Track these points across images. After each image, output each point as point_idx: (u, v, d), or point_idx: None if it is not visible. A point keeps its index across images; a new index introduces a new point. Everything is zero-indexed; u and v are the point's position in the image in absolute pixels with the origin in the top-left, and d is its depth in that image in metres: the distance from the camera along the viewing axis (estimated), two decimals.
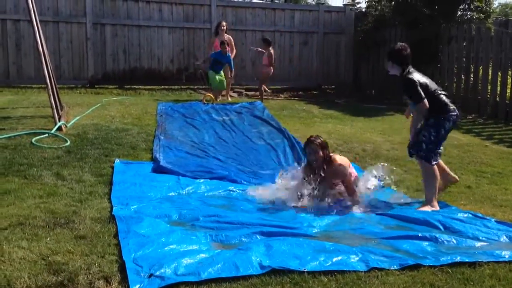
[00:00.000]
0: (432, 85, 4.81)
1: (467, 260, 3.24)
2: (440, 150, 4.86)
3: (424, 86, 4.69)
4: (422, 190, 5.22)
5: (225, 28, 10.52)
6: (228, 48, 10.14)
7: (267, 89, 11.57)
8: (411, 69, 4.80)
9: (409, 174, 5.90)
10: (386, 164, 5.08)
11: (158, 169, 5.40)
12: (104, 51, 11.79)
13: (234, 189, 5.03)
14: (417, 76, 4.76)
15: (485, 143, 7.89)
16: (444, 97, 4.77)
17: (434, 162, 4.74)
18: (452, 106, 4.77)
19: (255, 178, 5.49)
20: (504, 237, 3.77)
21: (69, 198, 4.34)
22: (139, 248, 3.27)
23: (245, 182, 5.30)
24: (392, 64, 4.81)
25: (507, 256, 3.32)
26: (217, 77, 10.04)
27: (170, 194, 4.75)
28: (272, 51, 10.75)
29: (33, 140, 6.05)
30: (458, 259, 3.24)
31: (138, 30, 11.97)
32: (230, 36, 10.70)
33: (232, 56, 10.43)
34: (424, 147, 4.69)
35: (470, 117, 9.98)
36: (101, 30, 11.71)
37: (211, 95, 9.88)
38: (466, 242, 3.62)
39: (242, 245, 3.41)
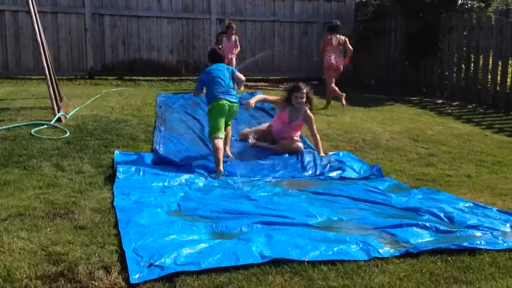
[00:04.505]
0: None
1: (467, 248, 3.25)
2: None
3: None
4: (422, 179, 5.23)
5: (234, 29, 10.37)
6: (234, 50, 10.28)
7: None
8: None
9: (409, 163, 5.89)
10: None
11: (159, 160, 5.38)
12: (103, 42, 11.74)
13: (235, 181, 5.01)
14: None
15: (485, 132, 7.87)
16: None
17: None
18: None
19: (255, 170, 5.47)
20: (505, 226, 3.76)
21: (68, 188, 4.34)
22: (139, 238, 3.27)
23: (244, 174, 5.29)
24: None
25: (506, 245, 3.32)
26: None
27: (171, 184, 4.74)
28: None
29: (32, 131, 6.04)
30: (458, 246, 3.25)
31: (137, 20, 11.92)
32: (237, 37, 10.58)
33: (235, 53, 10.45)
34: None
35: (470, 106, 9.96)
36: (99, 20, 11.66)
37: None
38: (467, 231, 3.62)
39: (242, 235, 3.41)
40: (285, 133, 6.15)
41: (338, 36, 9.39)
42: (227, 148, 5.74)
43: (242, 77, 5.79)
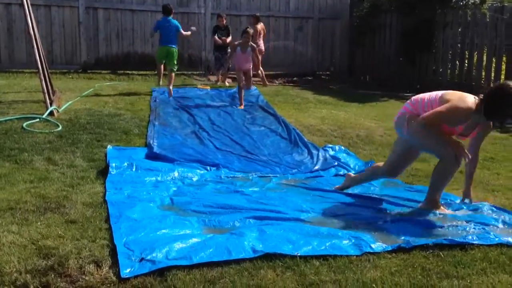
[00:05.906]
0: None
1: (458, 243, 3.26)
2: None
3: None
4: (415, 175, 5.22)
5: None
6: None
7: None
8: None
9: None
10: None
11: (152, 155, 5.36)
12: (96, 36, 11.67)
13: (228, 176, 5.00)
14: None
15: None
16: None
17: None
18: None
19: (249, 165, 5.46)
20: (497, 222, 3.76)
21: (60, 183, 4.31)
22: (130, 232, 3.25)
23: (238, 169, 5.28)
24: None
25: (497, 240, 3.33)
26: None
27: (164, 179, 4.72)
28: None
29: (24, 124, 6.00)
30: (450, 242, 3.26)
31: (131, 14, 11.85)
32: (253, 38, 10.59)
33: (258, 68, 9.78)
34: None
35: None
36: (93, 14, 11.59)
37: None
38: (459, 227, 3.63)
39: (235, 230, 3.40)
40: None
41: (261, 24, 11.59)
42: (171, 87, 8.66)
43: (187, 34, 9.31)
